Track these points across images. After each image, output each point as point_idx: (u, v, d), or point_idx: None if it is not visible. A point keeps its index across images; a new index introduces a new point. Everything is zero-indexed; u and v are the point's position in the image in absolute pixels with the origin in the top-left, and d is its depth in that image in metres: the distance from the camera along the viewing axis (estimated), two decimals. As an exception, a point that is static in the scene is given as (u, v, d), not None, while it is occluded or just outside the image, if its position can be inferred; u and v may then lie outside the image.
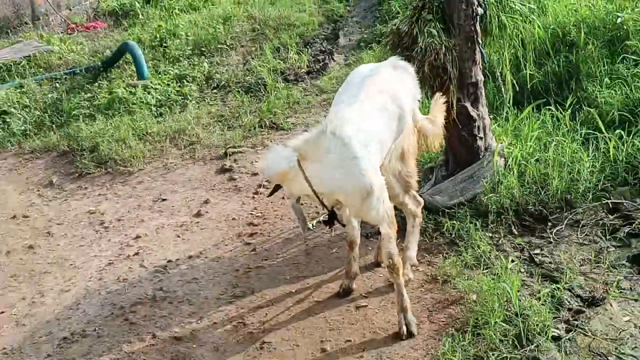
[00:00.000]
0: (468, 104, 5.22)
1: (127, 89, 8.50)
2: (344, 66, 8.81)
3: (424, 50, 4.96)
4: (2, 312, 5.08)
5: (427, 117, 4.72)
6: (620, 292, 4.25)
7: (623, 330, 3.94)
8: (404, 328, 4.19)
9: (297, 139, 3.93)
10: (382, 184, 4.07)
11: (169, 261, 5.37)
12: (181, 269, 5.25)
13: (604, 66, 6.10)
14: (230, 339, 4.42)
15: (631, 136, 5.36)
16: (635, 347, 3.82)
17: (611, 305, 4.14)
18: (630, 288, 4.28)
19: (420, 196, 4.98)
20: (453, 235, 4.98)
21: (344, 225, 4.49)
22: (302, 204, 4.39)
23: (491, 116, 5.75)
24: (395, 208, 4.38)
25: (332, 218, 4.16)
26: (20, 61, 9.90)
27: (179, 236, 5.72)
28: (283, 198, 5.82)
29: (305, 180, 3.84)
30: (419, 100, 4.64)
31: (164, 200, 6.35)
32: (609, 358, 3.77)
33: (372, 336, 4.27)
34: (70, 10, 12.42)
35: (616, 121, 5.61)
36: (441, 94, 5.08)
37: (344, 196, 4.00)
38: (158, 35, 10.32)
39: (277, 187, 4.08)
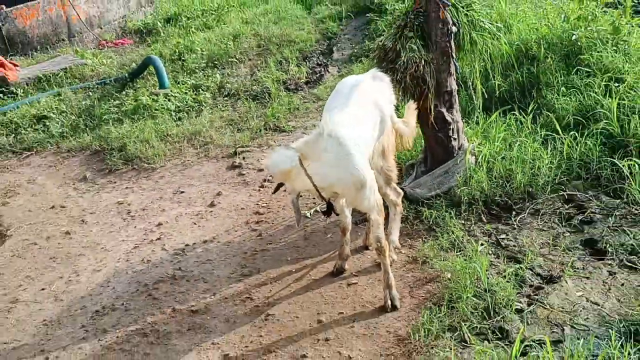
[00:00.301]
0: (444, 110, 5.22)
1: (150, 96, 8.50)
2: (337, 77, 8.79)
3: (406, 63, 4.97)
4: (43, 289, 5.09)
5: (402, 120, 4.79)
6: (574, 271, 4.26)
7: (576, 304, 3.96)
8: (389, 302, 4.22)
9: (298, 142, 3.94)
10: (373, 177, 4.13)
11: (187, 245, 5.38)
12: (197, 252, 5.26)
13: (560, 77, 6.10)
14: (239, 312, 4.44)
15: (584, 137, 5.36)
16: (587, 318, 3.84)
17: (566, 282, 4.16)
18: (583, 267, 4.29)
19: (402, 189, 5.01)
20: (431, 223, 4.99)
21: (337, 214, 4.51)
22: (301, 196, 4.40)
23: (464, 120, 5.76)
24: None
25: (330, 208, 4.18)
26: (58, 73, 9.90)
27: (195, 223, 5.73)
28: (284, 191, 5.83)
29: (307, 176, 3.85)
30: (394, 105, 4.67)
31: (182, 192, 6.35)
32: (565, 328, 3.78)
33: (361, 309, 4.28)
34: (101, 28, 12.39)
35: (571, 124, 5.61)
36: (421, 101, 5.11)
37: (342, 188, 4.01)
38: (177, 50, 10.31)
39: (280, 185, 4.09)
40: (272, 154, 3.98)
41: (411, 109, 4.89)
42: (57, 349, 4.37)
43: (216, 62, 9.74)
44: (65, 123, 8.33)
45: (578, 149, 5.30)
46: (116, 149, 7.38)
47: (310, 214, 5.50)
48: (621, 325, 3.71)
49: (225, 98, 8.58)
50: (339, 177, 3.92)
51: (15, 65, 10.19)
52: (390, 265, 4.32)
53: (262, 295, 4.58)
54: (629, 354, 3.40)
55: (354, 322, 4.16)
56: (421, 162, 5.60)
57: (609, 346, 3.48)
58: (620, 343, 3.51)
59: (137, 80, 9.31)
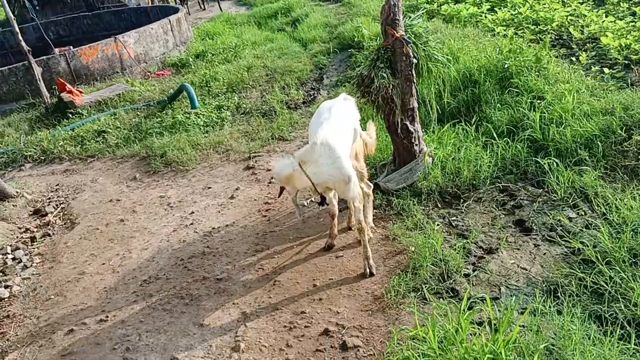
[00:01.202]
0: (408, 122, 5.20)
1: (184, 115, 8.46)
2: (326, 98, 8.74)
3: (378, 87, 4.94)
4: (104, 264, 5.07)
5: (366, 133, 4.83)
6: (508, 244, 4.25)
7: (510, 270, 3.96)
8: (367, 270, 4.22)
9: (299, 151, 3.98)
10: (355, 174, 4.14)
11: (213, 228, 5.36)
12: (221, 234, 5.24)
13: (496, 96, 6.09)
14: (253, 279, 4.42)
15: (514, 142, 5.36)
16: (518, 280, 3.83)
17: (502, 253, 4.15)
18: (514, 242, 4.28)
19: (375, 183, 5.00)
20: (399, 209, 4.98)
21: (327, 204, 4.48)
22: (302, 195, 4.39)
23: (423, 130, 5.74)
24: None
25: (323, 200, 4.20)
26: (114, 97, 9.84)
27: (219, 212, 5.70)
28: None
29: (306, 177, 3.87)
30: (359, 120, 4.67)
31: (209, 188, 6.31)
32: (501, 288, 3.78)
33: (346, 275, 4.27)
34: (146, 63, 12.31)
35: (505, 132, 5.61)
36: (390, 116, 5.08)
37: (333, 184, 4.01)
38: (204, 79, 10.24)
39: (282, 189, 4.10)
40: (275, 164, 3.99)
41: (372, 126, 4.93)
42: (114, 310, 4.34)
43: (234, 88, 9.68)
44: (120, 136, 8.27)
45: (510, 151, 5.29)
46: (158, 156, 7.32)
47: (307, 204, 5.48)
48: (544, 286, 3.71)
49: (242, 115, 8.54)
50: (331, 175, 3.94)
51: (80, 92, 10.14)
52: (368, 242, 4.31)
53: (271, 266, 4.56)
54: (549, 306, 3.40)
55: (341, 285, 4.15)
56: (391, 162, 5.58)
57: (535, 301, 3.48)
58: (543, 299, 3.51)
59: (174, 103, 9.26)
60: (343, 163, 3.94)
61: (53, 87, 10.31)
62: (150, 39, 12.44)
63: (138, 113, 9.08)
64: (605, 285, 3.50)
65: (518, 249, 4.17)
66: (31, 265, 5.23)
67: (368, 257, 4.23)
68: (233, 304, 4.14)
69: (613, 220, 4.14)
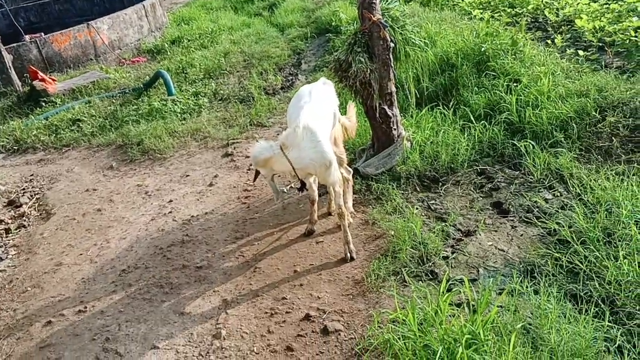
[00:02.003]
0: (386, 107, 5.20)
1: (160, 102, 8.33)
2: (305, 83, 8.68)
3: (356, 72, 4.92)
4: (81, 254, 5.00)
5: (346, 117, 4.81)
6: (486, 226, 4.30)
7: (488, 251, 4.00)
8: (348, 254, 4.23)
9: (281, 135, 3.94)
10: (335, 159, 4.13)
11: (192, 216, 5.32)
12: (200, 221, 5.20)
13: (473, 79, 6.11)
14: (233, 266, 4.41)
15: (491, 125, 5.39)
16: (496, 261, 3.88)
17: (480, 235, 4.19)
18: (492, 224, 4.33)
19: (355, 168, 5.00)
20: (378, 193, 4.99)
21: (307, 190, 4.47)
22: (279, 177, 4.37)
23: (401, 114, 5.75)
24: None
25: (303, 185, 4.18)
26: (88, 85, 9.65)
27: (198, 199, 5.66)
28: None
29: (288, 161, 3.85)
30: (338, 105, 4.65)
31: (187, 175, 6.25)
32: (479, 269, 3.82)
33: (327, 261, 4.28)
34: (120, 49, 12.07)
35: (482, 115, 5.64)
36: (368, 100, 5.07)
37: (314, 168, 3.99)
38: (180, 66, 10.09)
39: (258, 173, 4.08)
40: (255, 146, 3.95)
41: (351, 108, 4.90)
42: (93, 300, 4.29)
43: (211, 74, 9.56)
44: (95, 124, 8.12)
45: (487, 134, 5.33)
46: (135, 144, 7.22)
47: (287, 190, 5.47)
48: (521, 266, 3.76)
49: (219, 102, 8.45)
50: (313, 159, 3.92)
51: (53, 80, 9.91)
52: (348, 227, 4.32)
53: (251, 253, 4.55)
54: (526, 286, 3.46)
55: (322, 270, 4.16)
56: (370, 147, 5.57)
57: (512, 282, 3.53)
58: (520, 279, 3.56)
59: (150, 90, 9.11)
60: (324, 147, 3.93)
61: (25, 75, 10.05)
62: (124, 25, 12.19)
63: (113, 101, 8.92)
64: (580, 265, 3.56)
65: (496, 231, 4.22)
66: (6, 258, 5.13)
67: (348, 242, 4.24)
68: (214, 291, 4.12)
69: (588, 200, 4.20)
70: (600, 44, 6.71)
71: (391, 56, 5.05)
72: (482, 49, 6.32)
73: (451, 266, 3.89)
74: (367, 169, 5.25)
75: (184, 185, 6.04)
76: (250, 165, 6.20)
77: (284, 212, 5.12)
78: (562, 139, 4.98)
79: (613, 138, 4.83)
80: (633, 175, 4.32)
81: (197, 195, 5.75)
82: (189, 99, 8.51)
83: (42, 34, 12.47)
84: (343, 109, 5.01)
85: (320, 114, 4.15)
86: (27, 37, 12.09)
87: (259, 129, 7.24)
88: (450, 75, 6.35)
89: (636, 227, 3.66)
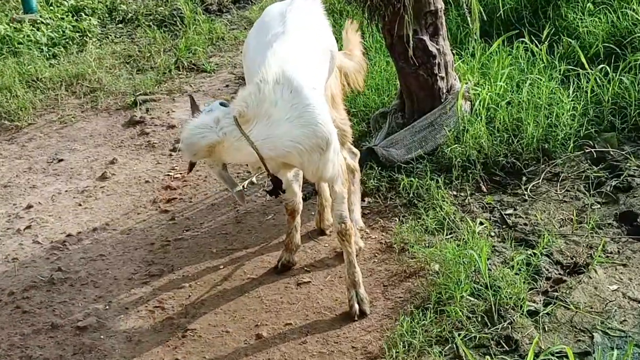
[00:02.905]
0: (426, 37, 5.20)
1: (10, 24, 8.29)
2: (277, -7, 8.72)
3: (372, -29, 4.93)
4: None
5: (343, 53, 4.80)
6: (607, 256, 4.30)
7: (610, 302, 4.00)
8: (356, 306, 4.21)
9: (234, 102, 3.87)
10: (336, 133, 4.10)
11: (69, 235, 5.29)
12: (84, 244, 5.18)
13: (586, -11, 6.13)
14: (146, 327, 4.39)
15: (618, 72, 5.41)
16: (624, 320, 3.88)
17: (596, 272, 4.19)
18: (618, 251, 4.33)
19: (367, 149, 5.01)
20: (411, 195, 4.99)
21: (283, 193, 4.42)
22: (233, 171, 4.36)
23: (454, 51, 5.76)
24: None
25: (277, 186, 4.09)
26: None
27: (80, 204, 5.64)
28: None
29: (250, 146, 3.80)
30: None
31: (60, 160, 6.24)
32: (594, 334, 3.84)
33: (316, 317, 4.28)
34: None
35: (601, 55, 5.66)
36: (395, 25, 5.07)
37: (299, 154, 3.94)
38: (48, -42, 10.05)
39: (193, 165, 4.04)
40: (188, 124, 3.89)
41: (351, 33, 4.89)
42: None
43: (105, -26, 9.55)
44: None
45: (610, 89, 5.35)
46: (-38, 101, 7.19)
47: (244, 187, 5.47)
48: (669, 329, 3.79)
49: (119, 25, 8.44)
50: (297, 139, 3.86)
51: None
52: (356, 255, 4.33)
53: (178, 302, 4.54)
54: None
55: (307, 335, 4.16)
56: (396, 111, 5.58)
57: (654, 357, 3.55)
58: (668, 353, 3.59)
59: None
60: (317, 114, 3.90)
61: None
62: None
63: None
64: None
65: (624, 265, 4.23)
66: None
67: (356, 283, 4.24)
68: (109, 374, 4.13)
69: None
70: None
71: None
72: None
73: (544, 328, 3.90)
74: (393, 150, 5.25)
75: (54, 177, 6.02)
76: (176, 146, 6.18)
77: (238, 229, 5.12)
78: None
79: None
80: None
81: (79, 196, 5.74)
82: (63, 18, 8.48)
83: None
84: (340, 43, 5.01)
85: (306, 54, 4.13)
86: None
87: (192, 75, 7.24)
88: (543, -20, 6.37)
89: None
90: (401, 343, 3.91)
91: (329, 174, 4.08)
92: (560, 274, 4.25)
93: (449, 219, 4.70)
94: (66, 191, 5.82)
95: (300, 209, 4.67)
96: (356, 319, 4.20)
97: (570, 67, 5.59)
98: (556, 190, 4.89)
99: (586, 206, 4.73)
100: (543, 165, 5.08)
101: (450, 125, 5.26)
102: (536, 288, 4.16)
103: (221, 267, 4.79)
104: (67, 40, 8.12)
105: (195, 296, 4.57)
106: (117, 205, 5.57)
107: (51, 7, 8.73)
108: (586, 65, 5.51)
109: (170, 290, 4.65)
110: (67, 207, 5.63)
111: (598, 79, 5.40)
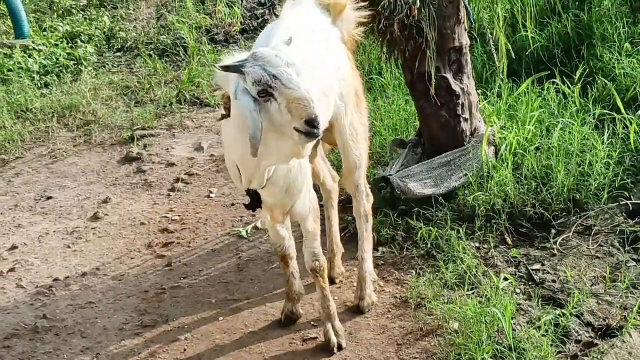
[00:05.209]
0: (449, 75, 5.22)
1: (1, 50, 8.35)
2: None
3: (393, 4, 4.94)
4: None
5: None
6: (643, 319, 4.29)
7: (646, 369, 3.99)
8: (334, 339, 4.30)
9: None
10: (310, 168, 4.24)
11: (56, 280, 5.29)
12: (72, 290, 5.18)
13: (623, 27, 6.15)
14: (136, 385, 4.38)
15: (658, 119, 5.43)
16: (662, 390, 3.88)
17: (630, 336, 4.18)
18: (656, 314, 4.33)
19: (381, 177, 5.05)
20: (429, 246, 4.98)
21: (261, 207, 4.28)
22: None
23: (479, 91, 5.77)
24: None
25: (257, 199, 4.02)
26: None
27: (69, 247, 5.64)
28: (208, 197, 5.83)
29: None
30: None
31: (49, 198, 6.26)
32: (629, 406, 3.82)
33: (325, 380, 4.27)
34: None
35: (638, 99, 5.67)
36: (416, 62, 5.09)
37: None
38: (44, -19, 10.17)
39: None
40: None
41: None
42: None
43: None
44: None
45: (650, 135, 5.36)
46: (-54, 132, 7.23)
47: (248, 233, 5.47)
48: None
49: (118, 54, 8.49)
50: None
51: None
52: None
53: (172, 356, 4.51)
54: None
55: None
56: (416, 143, 5.55)
57: None
58: None
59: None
60: None
61: None
62: None
63: None
64: None
65: (663, 329, 4.21)
66: None
67: (331, 316, 4.35)
68: None
69: None
70: None
71: (463, -24, 5.11)
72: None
73: (573, 397, 3.88)
74: (410, 181, 5.21)
75: (42, 217, 6.03)
76: (177, 181, 6.19)
77: (240, 278, 5.11)
78: None
79: None
80: None
81: (68, 237, 5.74)
82: (57, 45, 8.54)
83: None
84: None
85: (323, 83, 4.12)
86: None
87: (195, 109, 7.27)
88: (577, 18, 6.39)
89: None
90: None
91: (298, 210, 4.14)
92: (591, 336, 4.23)
93: (470, 273, 4.69)
94: (54, 232, 5.82)
95: (294, 255, 4.62)
96: (335, 352, 4.25)
97: (606, 111, 5.60)
98: (588, 245, 4.88)
99: (620, 263, 4.72)
100: (574, 218, 5.06)
101: (470, 170, 5.24)
102: (565, 352, 4.14)
103: (220, 319, 4.78)
104: (61, 68, 8.16)
105: (192, 350, 4.55)
106: (109, 248, 5.57)
107: (45, 33, 8.78)
108: (622, 110, 5.52)
109: (165, 342, 4.63)
110: (54, 249, 5.62)
111: (636, 125, 5.39)
